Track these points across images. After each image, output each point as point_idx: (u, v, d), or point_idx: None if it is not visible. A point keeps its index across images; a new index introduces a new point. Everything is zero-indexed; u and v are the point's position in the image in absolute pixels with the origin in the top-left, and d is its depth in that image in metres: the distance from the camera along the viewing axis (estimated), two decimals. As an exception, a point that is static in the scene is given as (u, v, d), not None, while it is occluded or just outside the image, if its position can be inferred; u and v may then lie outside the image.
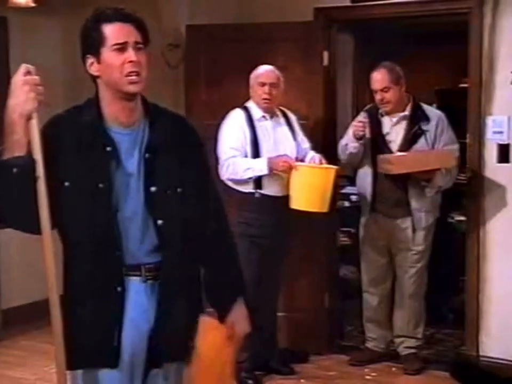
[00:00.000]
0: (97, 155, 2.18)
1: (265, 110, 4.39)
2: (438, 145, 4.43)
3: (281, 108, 4.53)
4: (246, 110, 4.39)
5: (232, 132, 4.32)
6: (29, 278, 5.12)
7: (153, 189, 2.21)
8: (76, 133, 2.19)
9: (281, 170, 4.20)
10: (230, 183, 4.33)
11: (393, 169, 4.35)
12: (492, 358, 4.56)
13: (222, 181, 4.34)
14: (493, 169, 4.54)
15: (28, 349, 4.95)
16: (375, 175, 4.50)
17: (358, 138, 4.43)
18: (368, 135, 4.48)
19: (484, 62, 4.50)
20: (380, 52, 6.29)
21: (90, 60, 2.20)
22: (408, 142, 4.43)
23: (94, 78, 2.23)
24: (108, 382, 2.22)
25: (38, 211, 2.08)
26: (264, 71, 4.41)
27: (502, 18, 4.44)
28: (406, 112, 4.47)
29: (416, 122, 4.44)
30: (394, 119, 4.48)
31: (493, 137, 4.51)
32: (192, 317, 2.29)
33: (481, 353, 4.60)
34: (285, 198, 4.24)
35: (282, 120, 4.47)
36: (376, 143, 4.50)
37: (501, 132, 4.49)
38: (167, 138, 2.26)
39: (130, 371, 2.23)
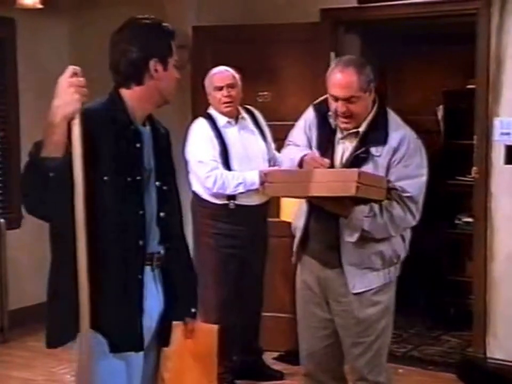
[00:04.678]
0: (130, 151, 2.31)
1: (228, 114, 4.22)
2: (390, 177, 3.04)
3: (246, 106, 4.38)
4: (210, 118, 4.24)
5: (203, 142, 4.16)
6: (37, 279, 5.11)
7: (158, 183, 2.40)
8: (110, 128, 2.27)
9: None
10: (202, 194, 4.21)
11: (268, 190, 3.22)
12: (499, 360, 4.54)
13: (194, 192, 4.27)
14: (500, 170, 4.52)
15: (36, 350, 4.95)
16: (312, 203, 3.17)
17: None
18: (314, 142, 3.20)
19: (491, 63, 4.49)
20: (387, 52, 6.29)
21: (156, 63, 2.33)
22: (349, 166, 3.07)
23: (141, 77, 2.32)
24: (134, 364, 2.35)
25: (66, 205, 2.12)
26: (217, 73, 4.26)
27: (509, 19, 4.42)
28: (360, 128, 3.09)
29: (367, 142, 3.08)
30: (346, 131, 3.13)
31: (500, 139, 4.49)
32: (191, 305, 2.55)
33: (488, 355, 4.58)
34: (260, 207, 4.20)
35: (248, 121, 4.32)
36: (322, 155, 3.14)
37: (508, 133, 4.47)
38: (161, 138, 2.47)
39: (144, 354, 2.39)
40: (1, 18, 5.36)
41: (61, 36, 5.76)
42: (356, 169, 2.91)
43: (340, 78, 3.04)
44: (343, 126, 3.10)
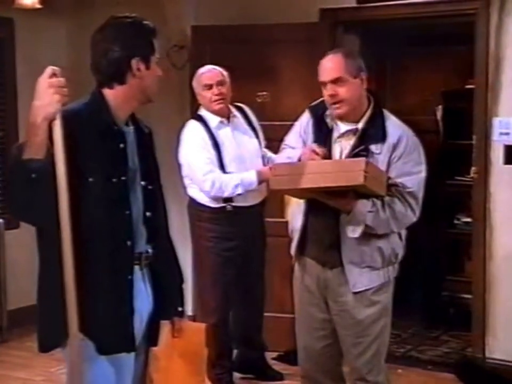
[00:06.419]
0: (113, 151, 2.30)
1: (220, 113, 4.16)
2: (390, 173, 3.06)
3: (236, 104, 4.32)
4: (202, 119, 4.17)
5: (197, 145, 4.10)
6: (35, 279, 5.11)
7: (143, 183, 2.40)
8: (93, 128, 2.26)
9: None
10: (198, 198, 4.17)
11: (272, 183, 3.15)
12: (498, 360, 4.54)
13: (190, 196, 4.24)
14: (500, 170, 4.52)
15: (34, 350, 4.88)
16: (311, 203, 3.15)
17: None
18: (310, 143, 3.19)
19: (490, 63, 4.49)
20: (386, 52, 6.29)
21: (138, 62, 2.32)
22: None
23: (123, 77, 2.30)
24: (126, 365, 2.36)
25: (50, 207, 2.10)
26: (205, 72, 4.21)
27: (508, 19, 4.42)
28: (359, 125, 3.10)
29: (366, 139, 3.07)
30: (343, 129, 3.12)
31: (500, 139, 4.49)
32: (178, 304, 2.57)
33: (487, 355, 4.58)
34: (255, 207, 4.19)
35: (241, 119, 4.27)
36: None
37: (507, 133, 4.47)
38: (145, 137, 2.47)
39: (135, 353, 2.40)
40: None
41: (60, 36, 5.76)
42: (362, 158, 2.90)
43: (326, 62, 3.12)
44: (335, 112, 3.10)
